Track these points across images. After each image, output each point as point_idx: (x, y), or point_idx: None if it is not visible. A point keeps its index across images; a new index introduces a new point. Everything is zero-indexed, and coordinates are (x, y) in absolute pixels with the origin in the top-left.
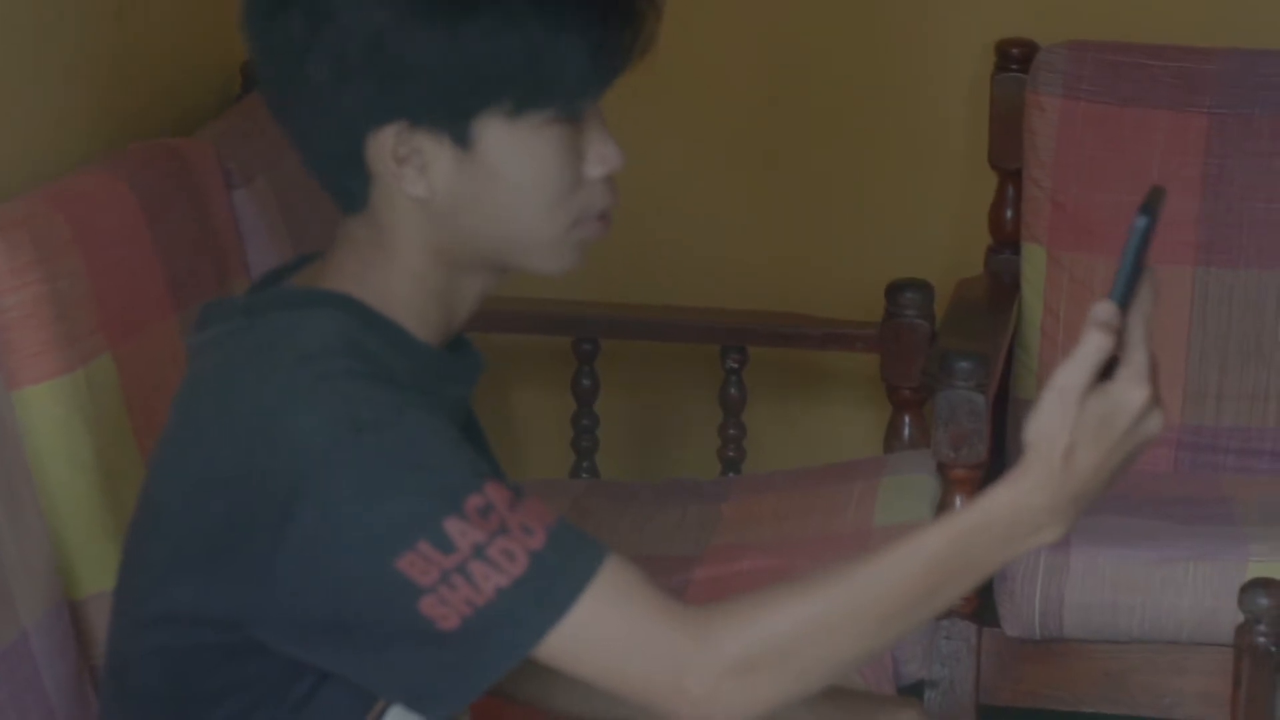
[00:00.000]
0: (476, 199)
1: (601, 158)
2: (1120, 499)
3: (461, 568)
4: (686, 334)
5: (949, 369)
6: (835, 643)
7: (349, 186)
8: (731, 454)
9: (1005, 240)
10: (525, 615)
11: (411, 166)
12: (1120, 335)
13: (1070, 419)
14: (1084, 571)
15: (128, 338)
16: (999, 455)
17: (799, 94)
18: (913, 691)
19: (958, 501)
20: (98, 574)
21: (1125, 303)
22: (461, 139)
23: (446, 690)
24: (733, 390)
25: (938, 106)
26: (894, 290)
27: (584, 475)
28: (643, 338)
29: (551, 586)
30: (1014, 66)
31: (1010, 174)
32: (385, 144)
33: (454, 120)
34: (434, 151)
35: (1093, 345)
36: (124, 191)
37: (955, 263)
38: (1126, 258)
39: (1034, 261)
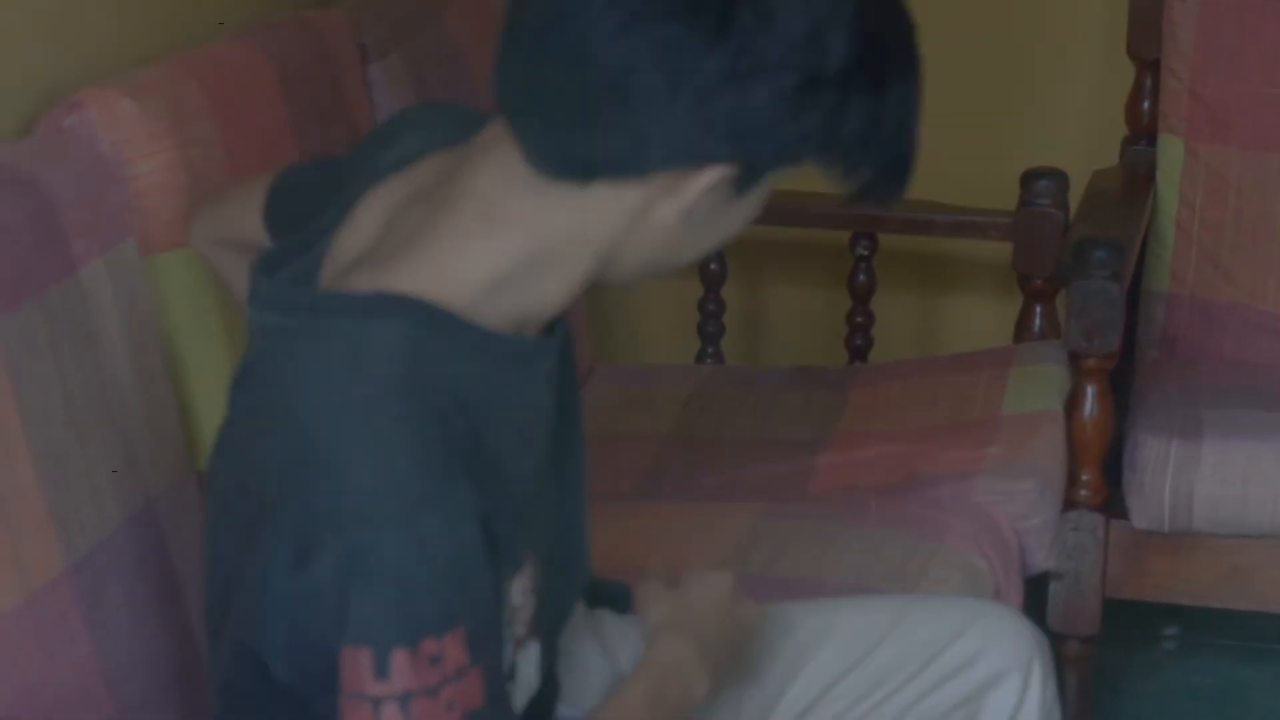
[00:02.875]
0: (692, 235)
1: None
2: (1253, 392)
3: (377, 703)
4: (816, 220)
5: (1084, 258)
6: None
7: (589, 167)
8: (859, 342)
9: (1141, 131)
10: None
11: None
12: None
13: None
14: (1215, 464)
15: None
16: (1129, 347)
17: None
18: (1038, 583)
19: (1089, 392)
20: None
21: None
22: (748, 188)
23: None
24: (861, 278)
25: None
26: (1028, 179)
27: (708, 360)
28: (771, 223)
29: None
30: None
31: (1148, 64)
32: (706, 176)
33: (763, 173)
34: (713, 190)
35: None
36: (260, 62)
37: (1090, 154)
38: None
39: (1170, 153)
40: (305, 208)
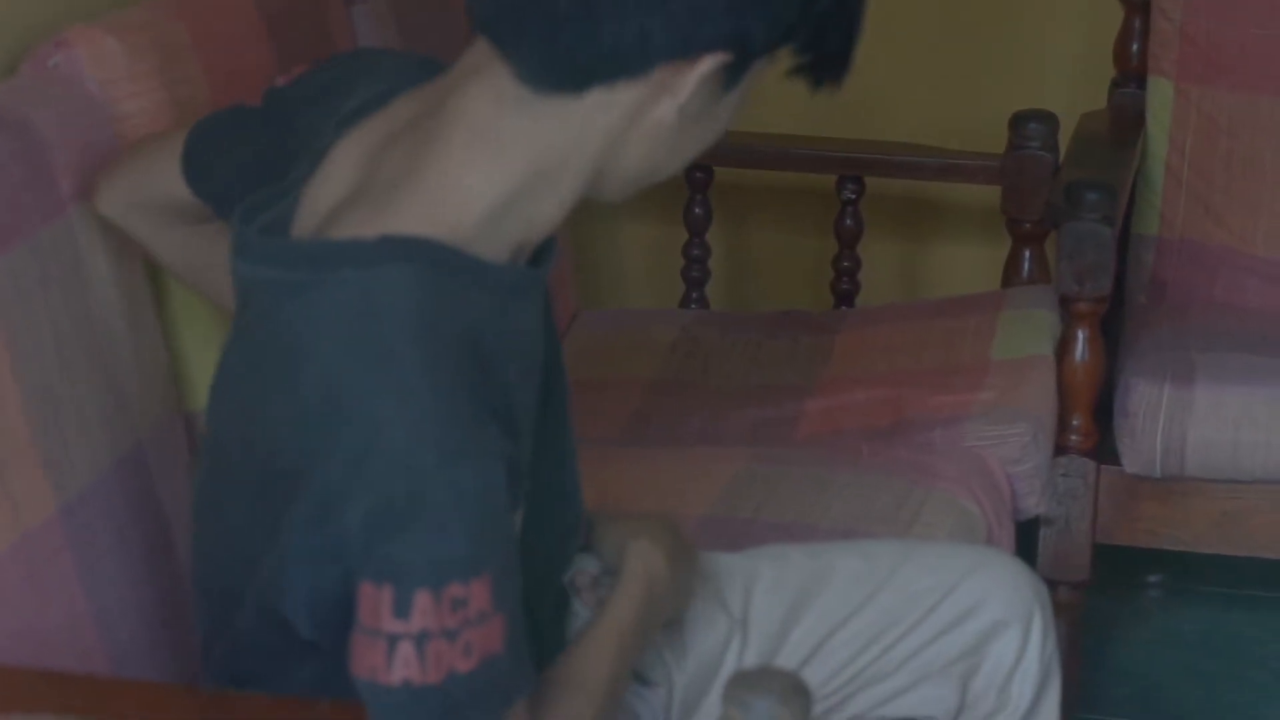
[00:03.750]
0: (685, 136)
1: None
2: (1244, 336)
3: (394, 640)
4: (802, 163)
5: (1076, 200)
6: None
7: (588, 73)
8: (845, 287)
9: (1130, 73)
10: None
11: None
12: None
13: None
14: (1208, 408)
15: None
16: (1118, 291)
17: None
18: (1029, 528)
19: (1080, 336)
20: None
21: None
22: (736, 80)
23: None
24: (848, 222)
25: None
26: (1018, 121)
27: (694, 306)
28: (757, 166)
29: (443, 716)
30: None
31: (1137, 6)
32: (702, 66)
33: (752, 60)
34: (706, 82)
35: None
36: (245, 2)
37: (1078, 96)
38: None
39: (1160, 95)
40: (234, 154)
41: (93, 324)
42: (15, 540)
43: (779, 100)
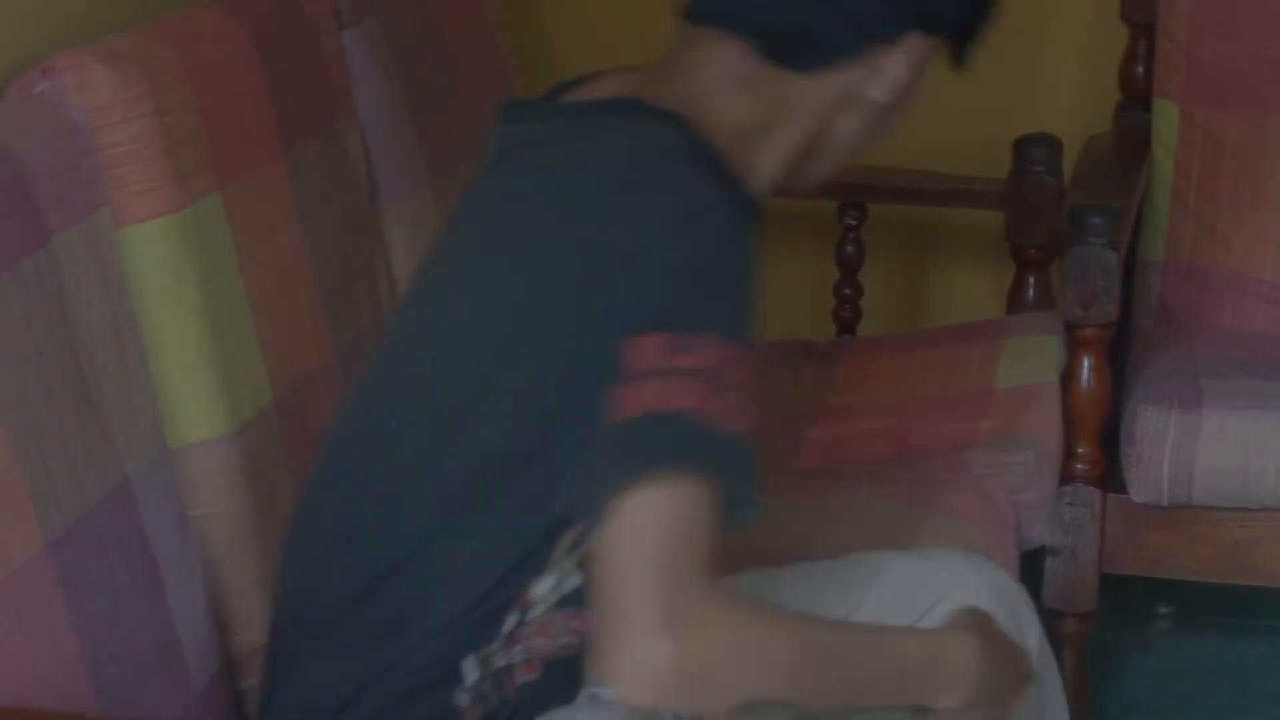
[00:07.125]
0: (882, 118)
1: None
2: (1252, 362)
3: (686, 374)
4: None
5: (1081, 224)
6: (781, 688)
7: (828, 52)
8: (847, 315)
9: (1136, 97)
10: (683, 449)
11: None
12: None
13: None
14: (1215, 434)
15: (237, 176)
16: (1125, 318)
17: None
18: (1034, 558)
19: (1085, 363)
20: (201, 422)
21: None
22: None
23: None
24: (850, 248)
25: None
26: (1022, 145)
27: None
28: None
29: (712, 455)
30: None
31: (1142, 28)
32: (917, 49)
33: (938, 34)
34: (908, 64)
35: None
36: (235, 27)
37: (1083, 120)
38: None
39: (1166, 118)
40: None
41: (78, 357)
42: (4, 577)
43: None
